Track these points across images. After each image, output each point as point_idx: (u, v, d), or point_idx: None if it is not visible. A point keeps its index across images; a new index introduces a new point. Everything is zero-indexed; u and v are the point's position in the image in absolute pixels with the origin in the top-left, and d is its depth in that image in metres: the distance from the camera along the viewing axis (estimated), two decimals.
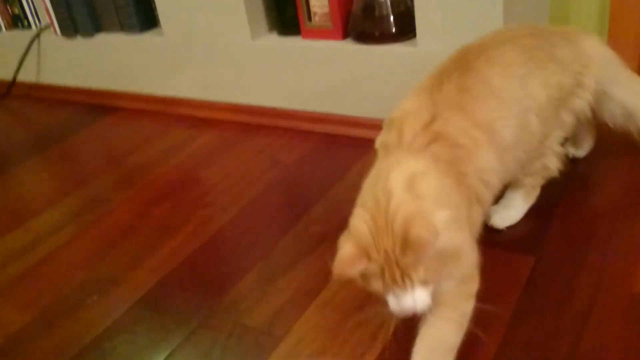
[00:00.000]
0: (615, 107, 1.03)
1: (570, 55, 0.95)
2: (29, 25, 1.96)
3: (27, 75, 2.01)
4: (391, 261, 0.69)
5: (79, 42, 1.83)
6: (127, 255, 1.15)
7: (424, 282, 0.70)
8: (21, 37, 1.94)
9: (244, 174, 1.36)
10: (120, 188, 1.40)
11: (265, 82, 1.52)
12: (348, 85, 1.39)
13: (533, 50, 0.92)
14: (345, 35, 1.39)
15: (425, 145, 0.79)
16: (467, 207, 0.80)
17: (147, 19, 1.70)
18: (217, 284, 1.03)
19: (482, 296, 0.77)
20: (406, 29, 1.30)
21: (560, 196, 1.08)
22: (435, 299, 0.73)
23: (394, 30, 1.31)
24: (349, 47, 1.36)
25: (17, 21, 1.99)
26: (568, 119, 0.97)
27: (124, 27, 1.72)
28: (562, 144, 1.00)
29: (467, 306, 0.77)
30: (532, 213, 1.03)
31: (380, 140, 0.87)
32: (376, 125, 1.37)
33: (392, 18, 1.31)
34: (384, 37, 1.32)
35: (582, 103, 0.97)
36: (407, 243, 0.67)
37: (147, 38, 1.69)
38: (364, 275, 0.72)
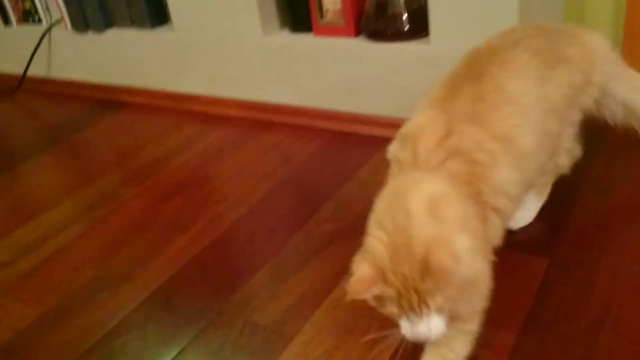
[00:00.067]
0: (616, 103, 1.01)
1: (578, 53, 0.94)
2: (40, 20, 1.96)
3: (37, 70, 2.01)
4: (409, 286, 0.66)
5: (90, 37, 1.83)
6: (138, 252, 1.15)
7: (441, 310, 0.68)
8: (32, 31, 1.94)
9: (254, 171, 1.36)
10: (130, 184, 1.40)
11: (277, 79, 1.51)
12: (360, 83, 1.38)
13: (544, 51, 0.91)
14: (357, 32, 1.38)
15: (440, 163, 0.77)
16: (484, 230, 0.77)
17: (159, 15, 1.69)
18: (228, 281, 1.03)
19: (495, 298, 0.76)
20: (419, 27, 1.29)
21: (575, 197, 1.07)
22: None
23: (407, 28, 1.30)
24: (361, 45, 1.35)
25: (28, 16, 1.99)
26: (578, 116, 0.97)
27: (135, 22, 1.72)
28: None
29: (476, 324, 0.77)
30: (546, 214, 1.02)
31: (393, 152, 0.85)
32: (388, 124, 1.37)
33: (405, 16, 1.30)
34: (397, 35, 1.30)
35: (590, 100, 0.97)
36: (427, 269, 0.65)
37: (158, 34, 1.69)
38: (379, 298, 0.69)
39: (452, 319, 0.72)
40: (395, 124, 1.35)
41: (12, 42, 2.05)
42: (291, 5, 1.45)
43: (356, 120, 1.42)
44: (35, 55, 1.97)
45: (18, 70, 2.02)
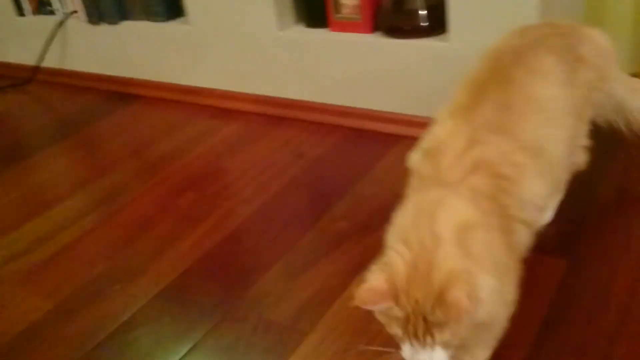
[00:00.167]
0: (609, 101, 1.00)
1: (590, 50, 0.93)
2: (54, 12, 1.96)
3: (51, 62, 2.01)
4: (418, 313, 0.64)
5: (104, 29, 1.82)
6: (150, 246, 1.14)
7: (446, 345, 0.65)
8: (46, 23, 1.94)
9: (267, 166, 1.35)
10: (142, 177, 1.39)
11: (291, 74, 1.50)
12: (376, 79, 1.37)
13: (564, 51, 0.89)
14: (374, 28, 1.36)
15: (463, 177, 0.74)
16: (513, 259, 0.74)
17: (174, 8, 1.69)
18: (241, 277, 1.02)
19: None
20: (437, 24, 1.27)
21: (594, 197, 1.05)
22: None
23: (424, 24, 1.29)
24: (377, 41, 1.34)
25: (43, 7, 1.99)
26: (591, 113, 0.96)
27: (150, 15, 1.71)
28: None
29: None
30: (564, 214, 1.01)
31: (413, 164, 0.82)
32: (403, 121, 1.36)
33: (423, 12, 1.28)
34: (414, 32, 1.29)
35: (601, 96, 0.96)
36: (441, 302, 0.62)
37: (173, 27, 1.68)
38: (387, 315, 0.67)
39: (459, 348, 0.68)
40: (410, 122, 1.36)
41: (26, 33, 2.05)
42: (307, 0, 1.44)
43: (371, 117, 1.41)
44: (49, 46, 1.97)
45: (32, 61, 2.02)
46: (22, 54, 2.08)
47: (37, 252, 1.18)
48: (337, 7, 1.38)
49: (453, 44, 1.23)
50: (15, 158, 1.59)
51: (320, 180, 1.28)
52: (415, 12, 1.29)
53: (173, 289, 1.02)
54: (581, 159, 0.97)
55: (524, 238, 0.78)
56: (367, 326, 0.87)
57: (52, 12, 1.96)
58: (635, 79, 1.04)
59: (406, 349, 0.67)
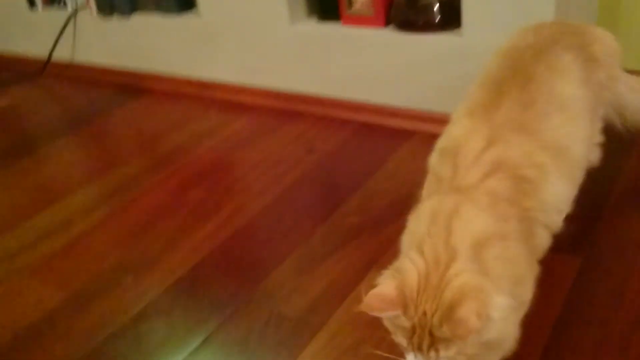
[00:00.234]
0: (612, 99, 0.99)
1: (601, 49, 0.93)
2: (65, 4, 1.96)
3: (62, 54, 2.01)
4: (425, 326, 0.62)
5: (115, 22, 1.82)
6: (162, 238, 1.14)
7: None
8: (57, 16, 1.94)
9: (279, 160, 1.35)
10: (153, 170, 1.39)
11: (303, 68, 1.50)
12: (388, 74, 1.36)
13: (579, 50, 0.88)
14: (386, 22, 1.36)
15: (480, 180, 0.72)
16: (531, 263, 0.73)
17: (185, 0, 1.68)
18: (253, 270, 1.02)
19: None
20: (451, 19, 1.27)
21: (609, 194, 1.05)
22: None
23: (438, 19, 1.28)
24: (390, 35, 1.33)
25: (54, 0, 1.99)
26: (603, 110, 0.96)
27: (161, 7, 1.71)
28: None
29: None
30: (580, 211, 1.00)
31: (432, 165, 0.81)
32: (416, 116, 1.36)
33: (436, 6, 1.28)
34: (428, 26, 1.28)
35: (610, 94, 0.96)
36: (449, 318, 0.60)
37: (184, 19, 1.68)
38: (393, 323, 0.66)
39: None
40: (423, 117, 1.36)
41: (37, 25, 2.06)
42: None
43: (383, 112, 1.40)
44: (60, 39, 1.97)
45: (43, 54, 2.03)
46: (34, 47, 2.09)
47: (49, 243, 1.18)
48: (350, 1, 1.37)
49: (467, 39, 1.22)
50: (26, 150, 1.59)
51: (332, 174, 1.28)
52: (428, 7, 1.28)
53: (185, 282, 1.02)
54: (595, 156, 0.96)
55: (545, 241, 0.76)
56: (380, 322, 0.87)
57: (63, 5, 1.96)
58: (636, 78, 1.02)
59: (409, 358, 0.65)
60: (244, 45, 1.57)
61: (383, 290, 0.64)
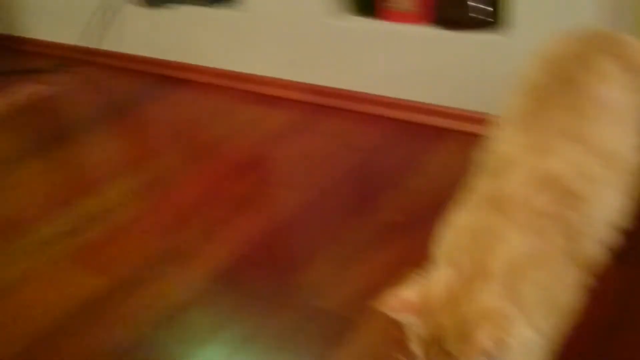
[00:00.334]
0: None
1: (635, 56, 0.89)
2: None
3: (102, 44, 2.03)
4: (440, 340, 0.61)
5: (154, 12, 1.84)
6: (200, 229, 1.16)
7: None
8: (97, 4, 1.97)
9: (315, 156, 1.35)
10: (191, 161, 1.41)
11: (341, 64, 1.49)
12: (428, 72, 1.35)
13: (622, 59, 0.85)
14: (428, 19, 1.35)
15: (525, 196, 0.69)
16: (574, 289, 0.69)
17: None
18: (291, 264, 1.03)
19: None
20: (494, 17, 1.25)
21: None
22: None
23: (483, 17, 1.27)
24: (433, 33, 1.32)
25: None
26: None
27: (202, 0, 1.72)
28: None
29: None
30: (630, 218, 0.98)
31: (474, 174, 0.78)
32: (456, 115, 1.35)
33: (480, 5, 1.26)
34: (472, 24, 1.27)
35: None
36: (464, 337, 0.59)
37: (224, 12, 1.69)
38: (411, 330, 0.64)
39: None
40: (462, 116, 1.35)
41: (80, 14, 2.08)
42: None
43: (423, 110, 1.40)
44: (99, 28, 1.99)
45: (84, 43, 2.05)
46: (75, 36, 2.11)
47: (90, 230, 1.20)
48: None
49: (513, 39, 1.20)
50: (66, 138, 1.62)
51: (369, 171, 1.28)
52: (472, 5, 1.27)
53: (224, 273, 1.03)
54: None
55: (598, 257, 0.73)
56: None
57: None
58: None
59: None
60: (282, 38, 1.58)
61: (405, 293, 0.64)
